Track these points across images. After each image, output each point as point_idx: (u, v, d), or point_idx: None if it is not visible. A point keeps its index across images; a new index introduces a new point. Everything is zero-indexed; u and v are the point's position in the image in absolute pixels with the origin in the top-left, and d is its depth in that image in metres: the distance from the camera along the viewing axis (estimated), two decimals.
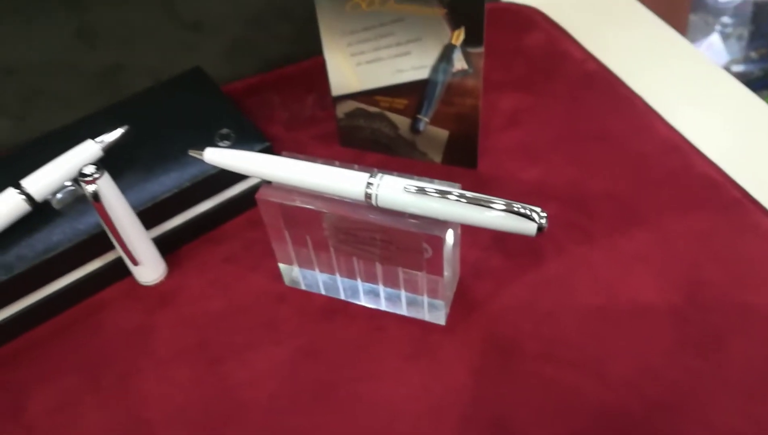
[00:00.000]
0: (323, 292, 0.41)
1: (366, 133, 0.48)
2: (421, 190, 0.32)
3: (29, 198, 0.39)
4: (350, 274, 0.38)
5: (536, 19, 0.59)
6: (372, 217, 0.34)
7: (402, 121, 0.46)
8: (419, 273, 0.36)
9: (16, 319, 0.40)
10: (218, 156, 0.36)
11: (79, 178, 0.35)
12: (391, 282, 0.37)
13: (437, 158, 0.47)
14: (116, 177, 0.37)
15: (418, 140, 0.47)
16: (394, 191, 0.33)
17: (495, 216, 0.31)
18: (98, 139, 0.40)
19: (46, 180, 0.39)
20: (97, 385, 0.38)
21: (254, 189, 0.45)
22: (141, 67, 0.54)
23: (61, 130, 0.46)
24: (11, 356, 0.40)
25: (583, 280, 0.40)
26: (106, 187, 0.36)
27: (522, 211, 0.31)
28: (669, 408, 0.35)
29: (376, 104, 0.45)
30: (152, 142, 0.44)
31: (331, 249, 0.37)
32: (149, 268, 0.41)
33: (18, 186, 0.39)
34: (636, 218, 0.43)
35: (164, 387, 0.37)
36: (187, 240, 0.44)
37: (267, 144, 0.44)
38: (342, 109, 0.47)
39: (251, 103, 0.53)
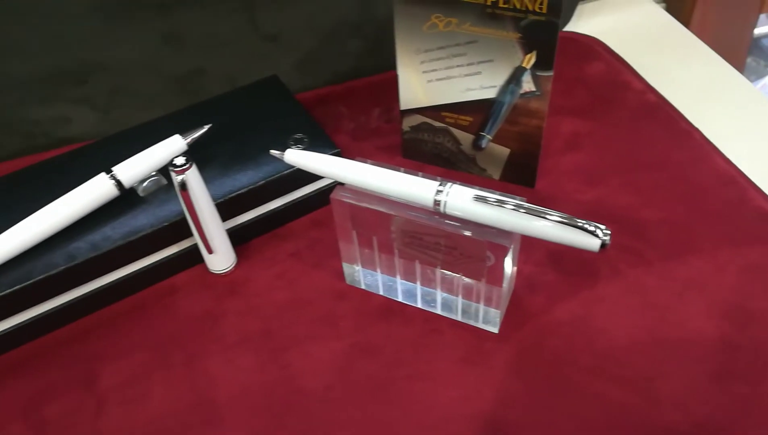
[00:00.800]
0: (382, 293, 0.43)
1: (428, 147, 0.50)
2: (490, 201, 0.34)
3: (119, 184, 0.42)
4: (410, 278, 0.40)
5: (598, 49, 0.61)
6: (439, 223, 0.36)
7: (465, 137, 0.48)
8: (479, 281, 0.37)
9: (96, 295, 0.43)
10: (298, 157, 0.39)
11: (170, 167, 0.38)
12: (448, 288, 0.39)
13: (496, 175, 0.49)
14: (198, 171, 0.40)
15: (479, 156, 0.49)
16: (463, 199, 0.35)
17: (560, 230, 0.33)
18: (185, 134, 0.44)
19: (135, 168, 0.42)
20: (166, 363, 0.40)
21: (320, 191, 0.48)
22: (220, 72, 0.57)
23: (145, 125, 0.50)
24: (88, 329, 0.43)
25: (635, 302, 0.41)
26: (193, 178, 0.39)
27: (587, 227, 0.33)
28: (715, 431, 0.35)
29: (441, 119, 0.48)
30: (231, 142, 0.47)
31: (395, 251, 0.39)
32: (221, 258, 0.44)
33: (109, 172, 0.42)
34: (690, 246, 0.44)
35: (229, 370, 0.40)
36: (257, 234, 0.47)
37: (337, 150, 0.46)
38: (408, 123, 0.49)
39: (320, 113, 0.56)
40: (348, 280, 0.44)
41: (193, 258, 0.45)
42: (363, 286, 0.43)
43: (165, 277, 0.45)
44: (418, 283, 0.40)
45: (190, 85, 0.58)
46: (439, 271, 0.38)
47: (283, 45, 0.57)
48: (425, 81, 0.46)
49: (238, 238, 0.45)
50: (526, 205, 0.34)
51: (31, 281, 0.39)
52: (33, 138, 0.56)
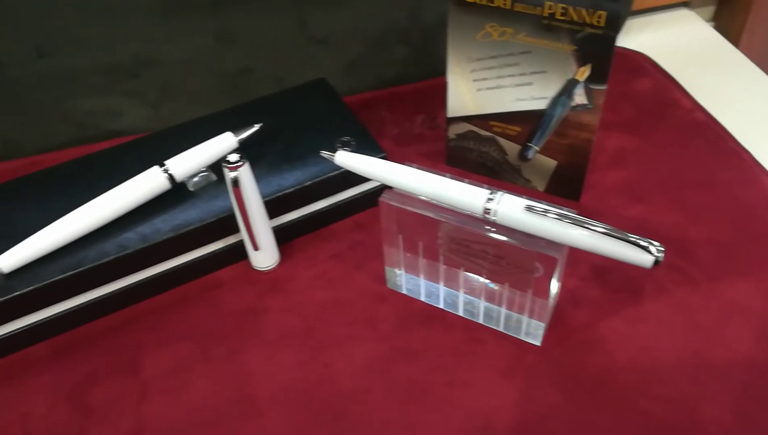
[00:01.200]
0: (423, 299, 0.43)
1: (473, 155, 0.50)
2: (542, 211, 0.34)
3: (171, 177, 0.43)
4: (452, 285, 0.40)
5: (646, 65, 0.60)
6: (488, 232, 0.36)
7: (511, 147, 0.48)
8: (525, 292, 0.37)
9: (143, 285, 0.43)
10: (348, 159, 0.39)
11: (224, 164, 0.39)
12: (492, 297, 0.39)
13: (540, 187, 0.49)
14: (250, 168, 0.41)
15: (524, 167, 0.48)
16: (515, 209, 0.35)
17: (613, 244, 0.33)
18: (236, 132, 0.44)
19: (187, 163, 0.43)
20: (208, 355, 0.41)
21: (364, 195, 0.48)
22: (268, 72, 0.58)
23: (194, 122, 0.51)
24: (134, 318, 0.43)
25: (681, 321, 0.40)
26: (245, 175, 0.39)
27: (640, 242, 0.32)
28: None
29: (489, 129, 0.48)
30: (279, 141, 0.47)
31: (440, 257, 0.39)
32: (266, 255, 0.44)
33: (162, 165, 0.43)
34: (738, 267, 0.43)
35: (270, 366, 0.40)
36: (300, 234, 0.47)
37: (383, 154, 0.47)
38: (454, 130, 0.50)
39: (364, 117, 0.57)
40: (389, 284, 0.44)
41: (237, 254, 0.46)
42: (404, 291, 0.43)
43: (210, 271, 0.46)
44: (461, 291, 0.40)
45: (239, 83, 0.59)
46: (484, 280, 0.38)
47: (331, 48, 0.58)
48: (475, 89, 0.46)
49: (282, 236, 0.46)
50: (579, 217, 0.34)
51: (83, 268, 0.40)
52: (84, 129, 0.58)
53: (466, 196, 0.36)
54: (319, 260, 0.46)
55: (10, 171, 0.56)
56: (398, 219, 0.39)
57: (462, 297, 0.41)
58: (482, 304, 0.40)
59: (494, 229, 0.36)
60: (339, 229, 0.48)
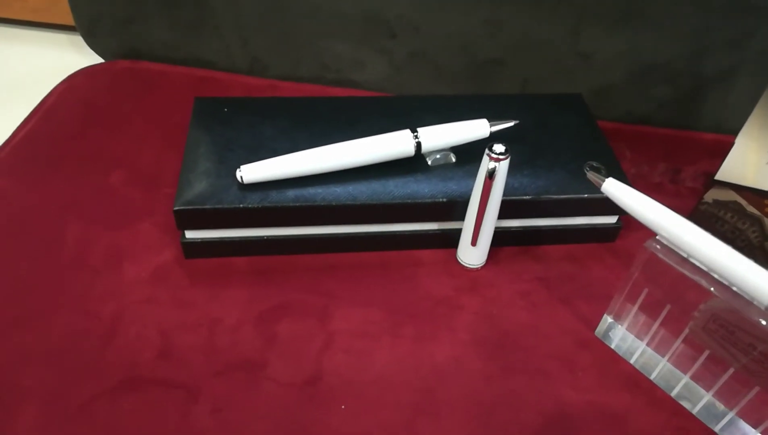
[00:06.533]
0: (632, 363, 0.39)
1: (724, 228, 0.45)
2: None
3: (418, 146, 0.42)
4: (681, 365, 0.36)
5: None
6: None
7: None
8: None
9: (354, 238, 0.43)
10: (620, 191, 0.35)
11: (488, 151, 0.37)
12: (728, 396, 0.34)
13: None
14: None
15: None
16: None
17: None
18: (491, 122, 0.43)
19: (438, 137, 0.42)
20: (397, 331, 0.40)
21: (590, 228, 0.45)
22: (518, 71, 0.56)
23: (437, 98, 0.50)
24: (334, 266, 0.43)
25: None
26: (502, 170, 0.37)
27: None
28: None
29: (761, 207, 0.42)
30: (523, 144, 0.45)
31: (686, 330, 0.34)
32: (478, 253, 0.42)
33: (414, 131, 0.42)
34: None
35: (456, 367, 0.38)
36: (509, 243, 0.45)
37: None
38: (715, 195, 0.44)
39: None
40: (597, 332, 0.40)
41: (446, 240, 0.44)
42: (612, 346, 0.39)
43: (413, 247, 0.44)
44: (689, 374, 0.36)
45: (486, 73, 0.57)
46: (728, 375, 0.33)
47: (592, 66, 0.55)
48: (764, 161, 0.41)
49: (494, 240, 0.44)
50: None
51: (313, 204, 0.40)
52: (326, 70, 0.59)
53: (762, 282, 0.31)
54: (525, 278, 0.43)
55: (251, 87, 0.59)
56: (655, 272, 0.35)
57: (686, 381, 0.36)
58: (708, 398, 0.35)
59: None
60: (551, 253, 0.45)
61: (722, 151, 0.43)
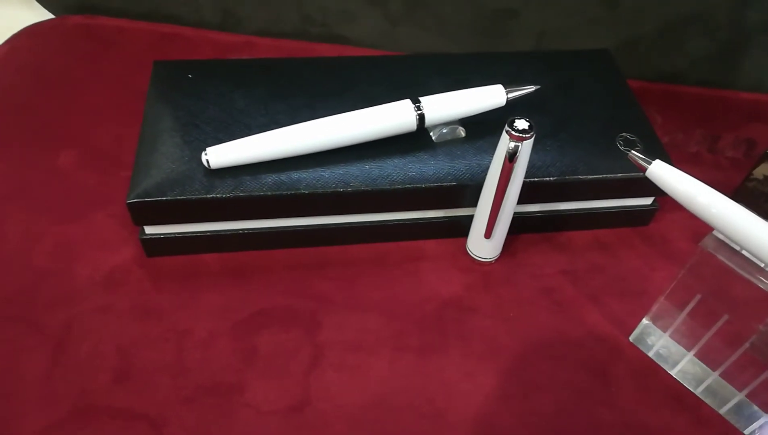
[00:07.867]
0: (674, 374, 0.33)
1: None
2: None
3: (420, 118, 0.35)
4: (735, 380, 0.30)
5: None
6: None
7: None
8: None
9: (345, 229, 0.37)
10: (668, 175, 0.29)
11: (507, 128, 0.30)
12: None
13: None
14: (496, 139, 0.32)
15: None
16: None
17: None
18: (507, 87, 0.35)
19: (444, 108, 0.35)
20: (399, 342, 0.34)
21: (623, 211, 0.38)
22: (533, 23, 0.48)
23: (439, 57, 0.43)
24: (324, 262, 0.37)
25: None
26: (526, 151, 0.31)
27: None
28: None
29: None
30: (546, 113, 0.38)
31: (746, 344, 0.29)
32: (493, 245, 0.36)
33: (416, 102, 0.35)
34: None
35: (470, 386, 0.32)
36: (528, 230, 0.39)
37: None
38: (765, 171, 0.38)
39: None
40: (633, 337, 0.34)
41: (453, 229, 0.38)
42: (651, 354, 0.34)
43: (414, 238, 0.38)
44: (744, 391, 0.30)
45: (496, 27, 0.49)
46: None
47: (619, 16, 0.47)
48: None
49: (509, 227, 0.37)
50: None
51: (296, 192, 0.34)
52: (310, 23, 0.51)
53: None
54: (547, 273, 0.37)
55: (223, 45, 0.51)
56: (711, 276, 0.29)
57: (739, 398, 0.30)
58: (765, 419, 0.30)
59: None
60: (576, 240, 0.39)
61: (764, 113, 0.36)
